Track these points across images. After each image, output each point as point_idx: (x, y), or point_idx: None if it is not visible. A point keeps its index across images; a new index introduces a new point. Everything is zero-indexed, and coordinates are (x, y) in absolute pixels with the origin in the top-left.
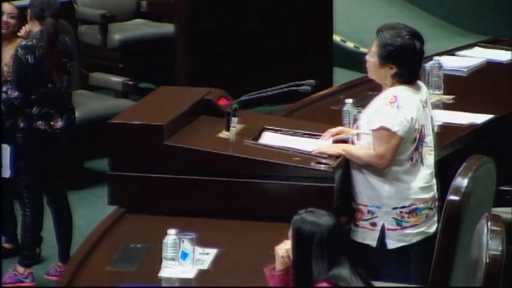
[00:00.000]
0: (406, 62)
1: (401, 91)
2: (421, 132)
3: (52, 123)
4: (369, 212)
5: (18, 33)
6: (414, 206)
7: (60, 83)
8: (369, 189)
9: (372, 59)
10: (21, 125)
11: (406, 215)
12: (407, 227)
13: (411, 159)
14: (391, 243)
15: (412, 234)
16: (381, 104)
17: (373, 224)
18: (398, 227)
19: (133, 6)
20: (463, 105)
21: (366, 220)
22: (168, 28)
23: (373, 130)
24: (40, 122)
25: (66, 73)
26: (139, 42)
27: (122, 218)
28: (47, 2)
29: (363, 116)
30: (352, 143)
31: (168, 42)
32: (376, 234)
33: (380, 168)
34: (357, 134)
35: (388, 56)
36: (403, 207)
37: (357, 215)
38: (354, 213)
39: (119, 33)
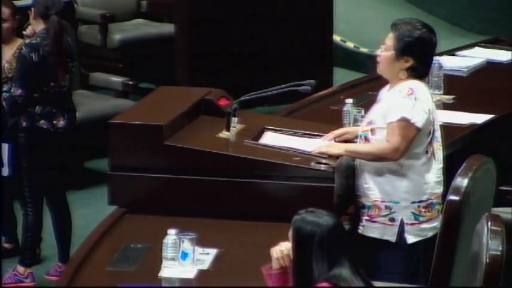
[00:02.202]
0: (423, 55)
1: (416, 84)
2: (433, 125)
3: (55, 122)
4: (386, 207)
5: (24, 32)
6: (430, 201)
7: (64, 81)
8: (386, 185)
9: (386, 52)
10: (24, 124)
11: (423, 210)
12: (424, 222)
13: (426, 152)
14: (410, 238)
15: (428, 228)
16: (397, 97)
17: (392, 220)
18: (416, 222)
19: (133, 6)
20: (463, 105)
21: (384, 216)
22: (168, 28)
23: (391, 122)
24: (43, 121)
25: (68, 73)
26: (139, 42)
27: (121, 218)
28: (51, 0)
29: (373, 111)
30: (366, 139)
31: (168, 42)
32: (395, 229)
33: (394, 159)
34: (371, 130)
35: (405, 48)
36: (421, 201)
37: (373, 212)
38: (369, 210)
39: (119, 33)
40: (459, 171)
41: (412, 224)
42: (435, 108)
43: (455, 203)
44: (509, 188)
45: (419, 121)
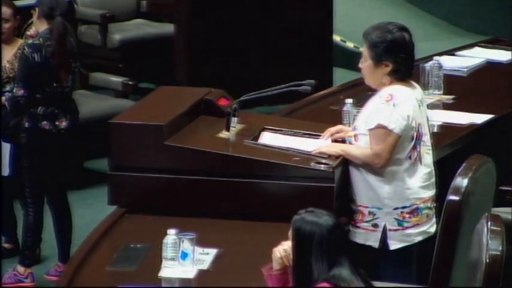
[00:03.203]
0: (400, 55)
1: (397, 89)
2: (418, 130)
3: (57, 123)
4: (370, 213)
5: (27, 33)
6: (415, 206)
7: (66, 82)
8: (369, 191)
9: (365, 63)
10: (26, 124)
11: (407, 215)
12: (409, 227)
13: (410, 157)
14: (393, 244)
15: (414, 234)
16: (377, 103)
17: (375, 225)
18: (400, 227)
19: (133, 6)
20: (463, 105)
21: (367, 222)
22: (168, 28)
23: (370, 129)
24: (45, 122)
25: (71, 73)
26: (139, 42)
27: (122, 218)
28: (56, 1)
29: (359, 117)
30: (350, 144)
31: (168, 42)
32: (378, 235)
33: (377, 167)
34: (354, 136)
35: (381, 54)
36: (404, 207)
37: (357, 217)
38: (354, 214)
39: (119, 33)
40: (459, 171)
41: (395, 230)
42: (423, 112)
43: (455, 203)
44: (509, 188)
45: (396, 127)
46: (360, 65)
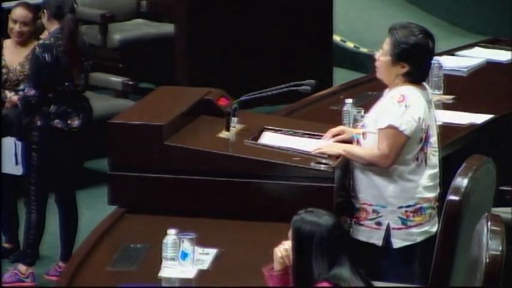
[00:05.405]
0: (419, 61)
1: (409, 91)
2: (427, 132)
3: (69, 122)
4: (374, 211)
5: (41, 36)
6: (419, 205)
7: (79, 81)
8: (373, 189)
9: (383, 57)
10: (38, 123)
11: (411, 214)
12: (412, 226)
13: (417, 159)
14: (397, 243)
15: (417, 233)
16: (388, 103)
17: (379, 224)
18: (404, 226)
19: (133, 6)
20: (463, 105)
21: (371, 219)
22: (168, 28)
23: (380, 129)
24: (57, 120)
25: (83, 72)
26: (139, 42)
27: (121, 218)
28: None
29: (368, 115)
30: (358, 142)
31: (168, 42)
32: (382, 234)
33: (383, 167)
34: (363, 133)
35: (401, 54)
36: (408, 206)
37: (361, 215)
38: (358, 212)
39: (119, 33)
40: (459, 171)
41: (399, 229)
42: (432, 114)
43: (455, 203)
44: (509, 188)
45: (407, 129)
46: (377, 57)
